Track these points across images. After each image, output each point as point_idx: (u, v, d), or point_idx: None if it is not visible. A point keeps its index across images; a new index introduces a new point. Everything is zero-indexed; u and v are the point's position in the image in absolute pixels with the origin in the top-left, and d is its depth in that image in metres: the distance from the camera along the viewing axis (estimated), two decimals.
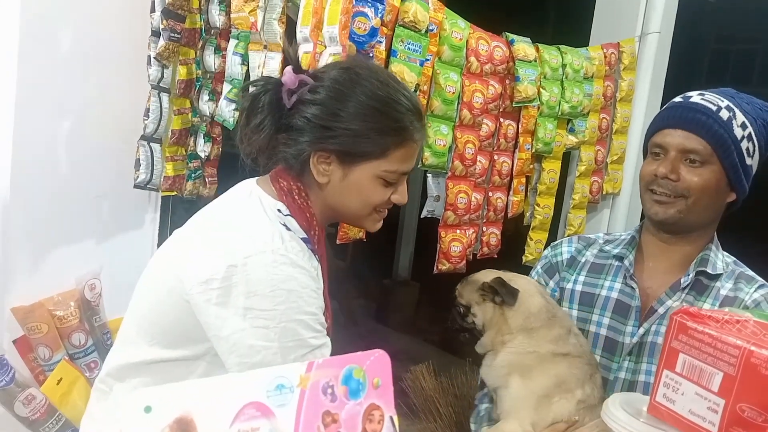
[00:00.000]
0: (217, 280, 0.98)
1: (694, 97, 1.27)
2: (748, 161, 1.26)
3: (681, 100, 1.30)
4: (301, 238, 1.08)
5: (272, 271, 0.99)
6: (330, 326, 1.18)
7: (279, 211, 1.08)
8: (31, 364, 1.93)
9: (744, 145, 1.24)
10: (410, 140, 1.10)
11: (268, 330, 0.98)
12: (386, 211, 1.18)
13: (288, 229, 1.07)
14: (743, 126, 1.24)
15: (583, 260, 1.43)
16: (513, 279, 1.35)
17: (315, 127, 1.07)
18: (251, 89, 1.13)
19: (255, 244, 1.01)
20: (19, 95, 1.77)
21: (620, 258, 1.38)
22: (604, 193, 2.62)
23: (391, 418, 0.60)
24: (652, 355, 1.29)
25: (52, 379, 1.82)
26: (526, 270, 1.57)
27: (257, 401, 0.53)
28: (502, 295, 1.29)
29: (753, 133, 1.25)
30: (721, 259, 1.32)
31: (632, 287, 1.34)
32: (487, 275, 1.36)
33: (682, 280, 1.29)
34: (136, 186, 2.03)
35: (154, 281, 1.12)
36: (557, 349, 1.27)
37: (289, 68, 1.10)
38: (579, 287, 1.40)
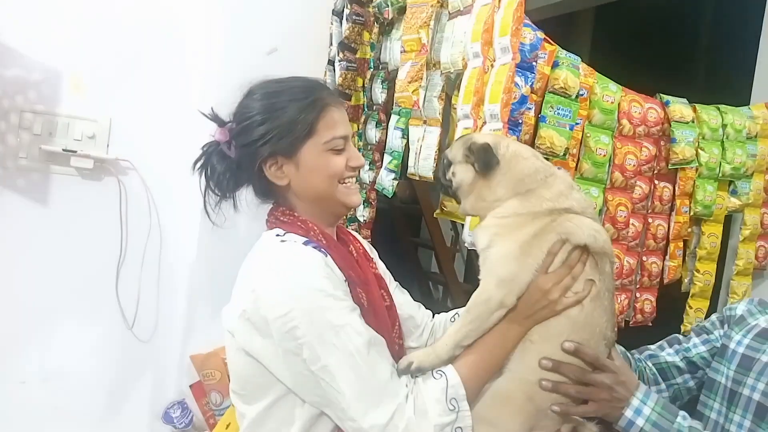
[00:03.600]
0: (248, 311, 1.09)
1: None
2: None
3: None
4: (302, 243, 1.15)
5: (279, 278, 1.10)
6: (395, 323, 1.24)
7: (277, 236, 1.18)
8: (203, 408, 2.11)
9: None
10: (326, 107, 1.19)
11: (297, 329, 1.05)
12: (354, 180, 1.26)
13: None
14: None
15: (753, 323, 1.37)
16: (509, 146, 1.23)
17: (251, 145, 1.18)
18: (197, 164, 1.24)
19: (263, 265, 1.15)
20: None
21: None
22: None
23: None
24: None
25: (222, 424, 1.98)
26: None
27: None
28: (478, 161, 1.19)
29: None
30: None
31: None
32: (484, 137, 1.26)
33: None
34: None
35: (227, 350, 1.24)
36: (556, 205, 1.15)
37: (215, 127, 1.22)
38: (741, 349, 1.34)
